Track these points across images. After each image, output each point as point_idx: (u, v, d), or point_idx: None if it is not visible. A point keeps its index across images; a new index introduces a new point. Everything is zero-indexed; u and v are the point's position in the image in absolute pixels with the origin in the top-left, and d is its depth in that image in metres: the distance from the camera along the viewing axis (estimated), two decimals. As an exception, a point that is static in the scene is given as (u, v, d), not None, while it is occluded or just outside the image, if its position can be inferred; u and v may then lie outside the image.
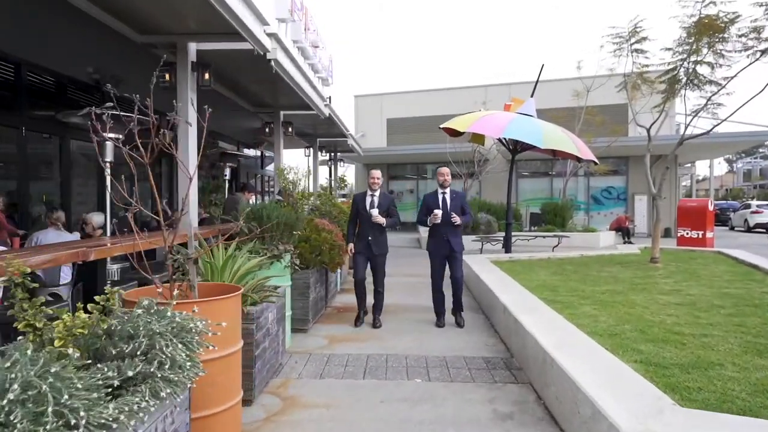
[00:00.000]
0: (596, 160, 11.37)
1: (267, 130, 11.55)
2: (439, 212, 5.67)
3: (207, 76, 6.49)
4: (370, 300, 6.04)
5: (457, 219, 5.72)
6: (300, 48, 8.93)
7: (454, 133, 11.92)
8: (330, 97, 23.26)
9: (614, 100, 16.34)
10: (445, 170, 5.95)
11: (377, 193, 5.85)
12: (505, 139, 11.98)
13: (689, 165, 29.75)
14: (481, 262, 8.59)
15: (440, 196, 5.86)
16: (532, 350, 4.03)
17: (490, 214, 16.81)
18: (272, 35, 6.68)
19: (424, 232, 19.16)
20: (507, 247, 11.83)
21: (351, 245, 5.89)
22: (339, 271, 8.25)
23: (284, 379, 4.10)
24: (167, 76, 6.56)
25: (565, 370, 3.17)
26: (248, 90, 10.30)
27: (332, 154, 20.66)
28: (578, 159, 11.35)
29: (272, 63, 6.74)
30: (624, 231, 17.37)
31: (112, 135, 4.99)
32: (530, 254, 10.57)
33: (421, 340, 5.31)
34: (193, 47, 6.47)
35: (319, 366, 4.44)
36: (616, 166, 21.31)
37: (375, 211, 5.68)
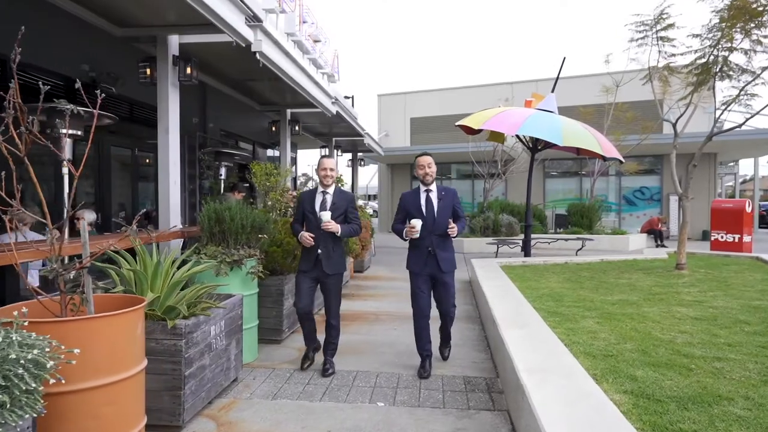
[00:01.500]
0: (621, 158, 10.65)
1: (273, 129, 11.27)
2: (417, 224, 4.09)
3: (189, 70, 6.16)
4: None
5: (454, 229, 4.12)
6: (296, 41, 8.56)
7: (471, 131, 11.40)
8: (353, 96, 22.99)
9: (646, 96, 15.39)
10: (426, 160, 4.23)
11: (331, 191, 4.30)
12: (524, 136, 11.39)
13: (732, 164, 28.15)
14: (488, 267, 8.02)
15: (423, 196, 4.25)
16: (510, 372, 3.51)
17: (514, 216, 16.11)
18: (257, 26, 6.33)
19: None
20: (526, 250, 11.20)
21: (305, 235, 4.20)
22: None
23: (232, 399, 3.70)
24: (148, 71, 6.30)
25: (531, 402, 2.66)
26: (249, 87, 10.03)
27: (353, 154, 20.38)
28: (602, 157, 10.66)
29: (257, 55, 6.39)
30: (656, 234, 16.39)
31: (70, 131, 4.73)
32: (548, 258, 9.92)
33: (398, 352, 4.83)
34: (174, 40, 6.15)
35: (277, 384, 4.02)
36: (652, 165, 20.24)
37: (326, 215, 4.10)
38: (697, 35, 8.32)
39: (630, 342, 4.10)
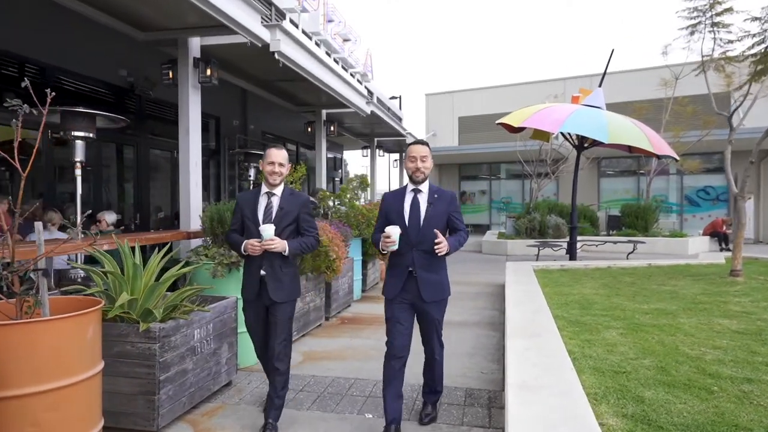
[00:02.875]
0: (675, 156, 9.93)
1: (309, 129, 11.29)
2: (394, 231, 3.01)
3: (209, 71, 6.19)
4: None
5: (443, 245, 2.99)
6: (321, 41, 8.49)
7: (513, 129, 10.97)
8: (400, 97, 22.84)
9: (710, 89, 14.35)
10: (419, 150, 3.17)
11: (279, 192, 3.30)
12: (568, 133, 10.85)
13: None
14: (520, 270, 7.65)
15: (408, 197, 3.21)
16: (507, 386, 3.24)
17: (563, 217, 15.42)
18: (275, 26, 6.30)
19: (489, 238, 18.06)
20: (571, 253, 10.65)
21: (251, 241, 3.20)
22: (360, 277, 7.71)
23: (219, 404, 3.62)
24: (170, 73, 6.40)
25: (507, 422, 2.40)
26: (284, 89, 10.06)
27: (400, 154, 20.22)
28: (654, 155, 10.00)
29: (276, 55, 6.35)
30: (720, 237, 15.22)
31: (81, 133, 4.83)
32: (592, 262, 9.37)
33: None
34: (194, 42, 6.20)
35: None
36: (719, 162, 18.85)
37: (268, 231, 3.10)
38: (756, 18, 7.58)
39: (650, 357, 3.70)
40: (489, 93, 23.22)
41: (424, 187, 3.24)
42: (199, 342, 3.48)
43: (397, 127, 13.92)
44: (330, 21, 8.45)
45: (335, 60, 9.07)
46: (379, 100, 16.69)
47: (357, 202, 7.75)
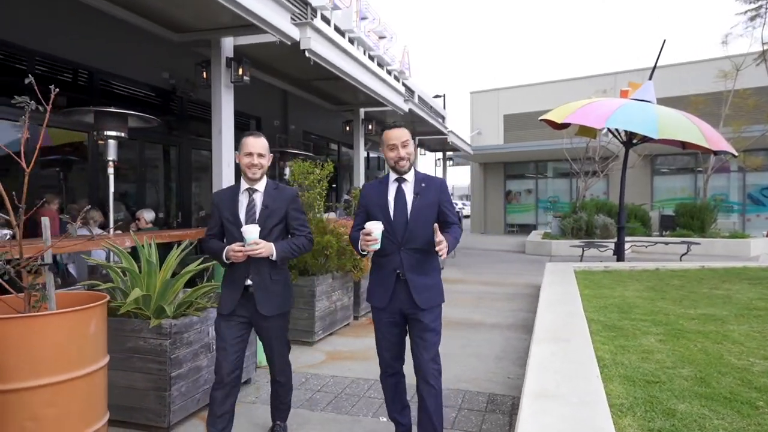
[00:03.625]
0: (733, 152, 9.31)
1: (347, 128, 11.28)
2: (376, 228, 2.52)
3: (240, 71, 6.24)
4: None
5: (443, 246, 2.51)
6: (354, 38, 8.43)
7: (556, 126, 10.59)
8: (445, 95, 22.57)
9: (773, 79, 13.40)
10: (398, 135, 2.69)
11: (261, 188, 2.83)
12: (615, 129, 10.38)
13: None
14: (559, 271, 7.34)
15: (392, 188, 2.72)
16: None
17: (612, 217, 14.79)
18: (306, 24, 6.30)
19: (516, 240, 17.34)
20: (618, 254, 10.16)
21: (233, 246, 2.70)
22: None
23: (235, 402, 3.60)
24: (204, 74, 6.50)
25: (516, 437, 2.24)
26: (321, 89, 10.09)
27: (443, 153, 20.00)
28: (710, 151, 9.40)
29: (306, 53, 6.35)
30: (787, 238, 14.20)
31: (114, 133, 4.96)
32: (640, 264, 8.90)
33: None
34: (227, 43, 6.27)
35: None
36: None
37: (252, 232, 2.60)
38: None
39: (689, 366, 3.42)
40: (535, 90, 22.60)
41: (410, 176, 2.75)
42: (214, 339, 3.47)
43: (437, 125, 13.73)
44: (363, 18, 8.39)
45: (370, 57, 9.00)
46: (420, 98, 16.56)
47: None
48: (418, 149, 16.25)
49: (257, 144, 2.77)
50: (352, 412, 3.44)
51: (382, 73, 8.64)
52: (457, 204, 33.19)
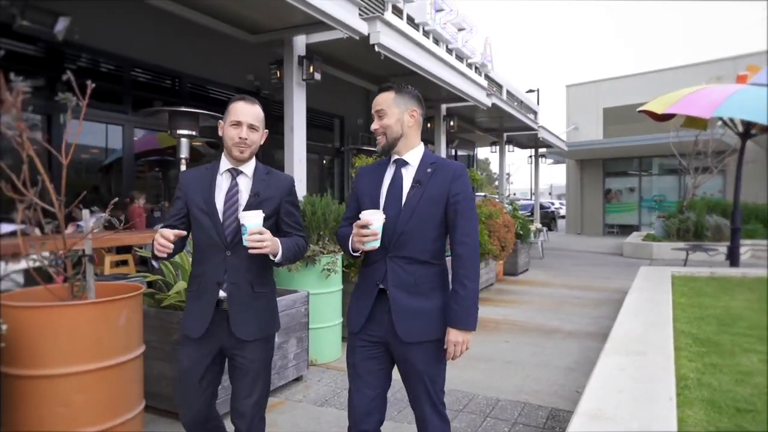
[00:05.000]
0: None
1: (429, 125, 11.06)
2: (376, 218, 1.88)
3: (311, 69, 6.28)
4: None
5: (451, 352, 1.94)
6: (429, 31, 8.17)
7: (658, 117, 9.68)
8: (538, 90, 21.60)
9: None
10: (382, 101, 2.00)
11: (249, 170, 2.17)
12: (729, 119, 9.28)
13: None
14: (652, 276, 6.63)
15: (389, 174, 2.05)
16: (584, 414, 2.70)
17: (727, 217, 13.27)
18: (375, 18, 6.19)
19: (588, 243, 15.83)
20: (732, 258, 9.05)
21: (164, 232, 1.95)
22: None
23: (281, 400, 3.56)
24: (278, 73, 6.62)
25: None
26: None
27: (531, 150, 19.11)
28: None
29: (376, 47, 6.24)
30: None
31: (185, 132, 5.17)
32: (758, 270, 7.83)
33: (491, 369, 4.18)
34: (299, 41, 6.34)
35: (336, 389, 3.77)
36: None
37: (253, 217, 1.94)
38: None
39: (796, 393, 2.86)
40: (640, 80, 20.93)
41: (412, 157, 2.03)
42: (260, 334, 3.45)
43: (525, 120, 13.10)
44: (440, 10, 8.14)
45: (448, 50, 8.73)
46: (509, 92, 15.95)
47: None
48: (506, 146, 15.60)
49: (249, 112, 2.08)
50: (398, 419, 3.25)
51: (461, 67, 8.34)
52: (553, 203, 31.65)
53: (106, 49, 6.50)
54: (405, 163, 2.03)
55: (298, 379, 3.88)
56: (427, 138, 14.41)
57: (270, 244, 1.99)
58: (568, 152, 19.20)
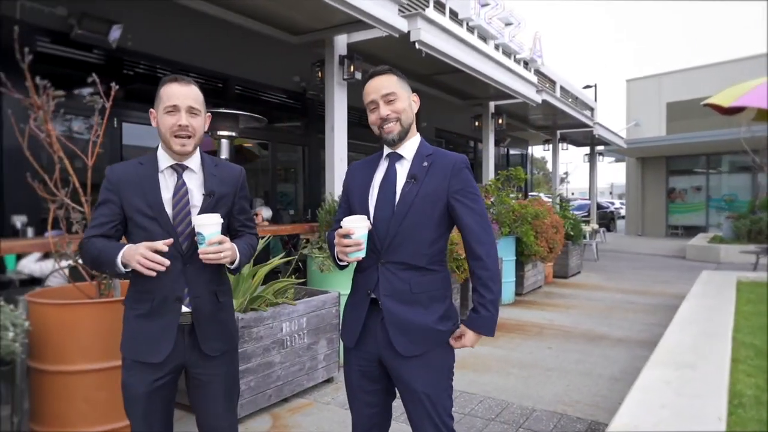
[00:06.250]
0: None
1: (477, 123, 10.82)
2: (358, 225, 1.67)
3: (351, 68, 6.25)
4: None
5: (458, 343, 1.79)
6: (473, 26, 7.95)
7: (725, 111, 9.06)
8: (596, 85, 20.87)
9: None
10: (377, 85, 1.77)
11: (195, 164, 1.87)
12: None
13: None
14: (714, 281, 6.17)
15: (381, 169, 1.85)
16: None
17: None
18: (415, 15, 6.11)
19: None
20: (809, 263, 8.37)
21: (156, 245, 1.65)
22: (513, 279, 7.05)
23: (309, 401, 3.53)
24: (319, 73, 6.64)
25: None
26: (445, 83, 9.79)
27: (590, 148, 18.38)
28: None
29: (417, 44, 6.14)
30: None
31: (225, 133, 5.26)
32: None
33: (529, 376, 4.00)
34: (340, 41, 6.33)
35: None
36: None
37: (210, 223, 1.70)
38: None
39: None
40: (706, 72, 19.70)
41: (407, 149, 1.82)
42: (288, 335, 3.43)
43: (579, 116, 12.61)
44: (485, 5, 7.92)
45: (495, 46, 8.50)
46: (563, 88, 15.40)
47: (510, 198, 7.11)
48: (560, 144, 15.07)
49: (187, 93, 1.77)
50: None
51: (508, 62, 8.10)
52: (613, 203, 30.34)
53: (157, 54, 6.72)
54: (399, 157, 1.82)
55: (328, 381, 3.84)
56: (476, 136, 14.15)
57: (230, 253, 1.75)
58: (627, 149, 18.36)
